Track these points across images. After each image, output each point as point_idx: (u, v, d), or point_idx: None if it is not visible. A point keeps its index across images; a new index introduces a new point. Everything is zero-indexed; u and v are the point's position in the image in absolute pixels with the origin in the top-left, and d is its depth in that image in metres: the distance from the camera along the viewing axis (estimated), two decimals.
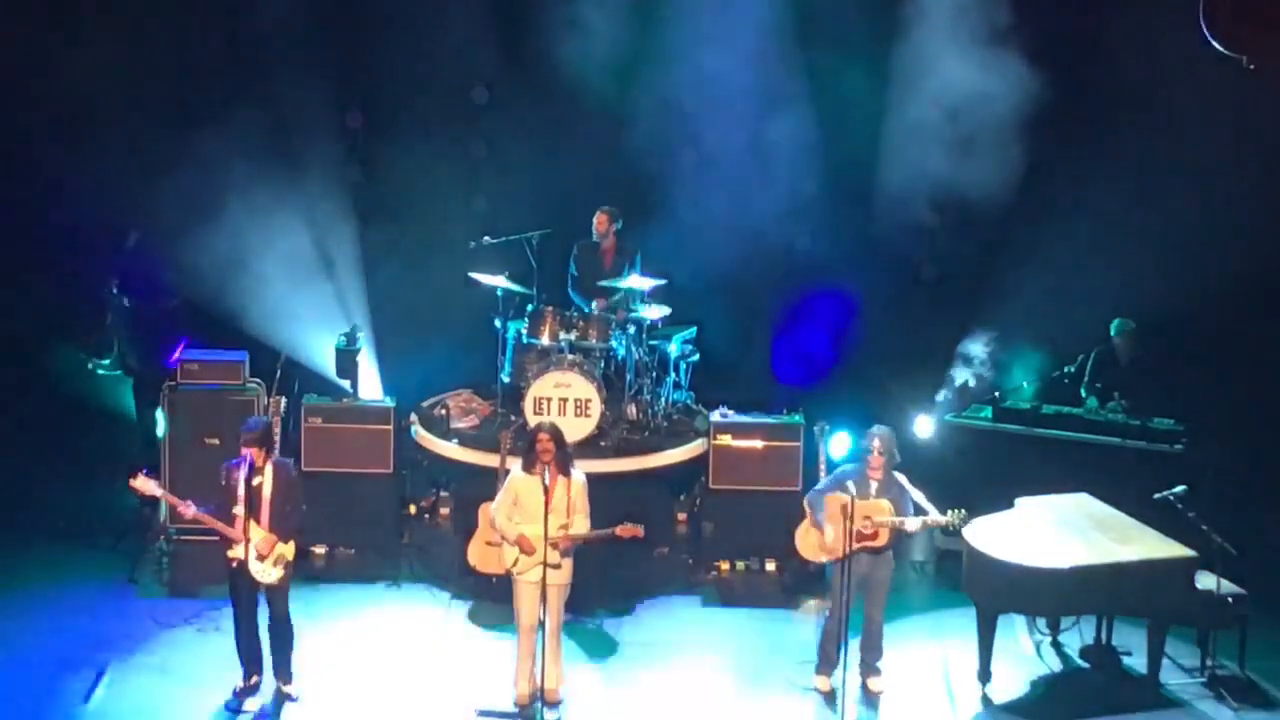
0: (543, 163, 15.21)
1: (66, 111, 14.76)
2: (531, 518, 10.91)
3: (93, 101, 14.70)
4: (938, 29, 14.55)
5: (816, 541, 11.35)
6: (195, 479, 12.42)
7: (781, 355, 15.33)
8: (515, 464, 11.25)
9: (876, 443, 11.23)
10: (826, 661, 11.32)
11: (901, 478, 11.32)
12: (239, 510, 10.92)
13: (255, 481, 10.94)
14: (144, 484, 11.16)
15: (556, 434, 11.02)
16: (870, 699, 11.32)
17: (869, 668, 11.37)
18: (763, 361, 15.32)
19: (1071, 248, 14.78)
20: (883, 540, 11.18)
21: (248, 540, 10.92)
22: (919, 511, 11.22)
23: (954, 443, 13.81)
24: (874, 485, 11.21)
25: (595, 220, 14.33)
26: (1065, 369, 14.01)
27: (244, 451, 10.94)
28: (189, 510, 10.99)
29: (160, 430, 13.52)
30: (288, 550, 11.07)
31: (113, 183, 14.73)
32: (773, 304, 15.39)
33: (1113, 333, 13.92)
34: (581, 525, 10.99)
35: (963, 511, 11.19)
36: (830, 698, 11.21)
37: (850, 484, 11.14)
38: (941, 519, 11.15)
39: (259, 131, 14.52)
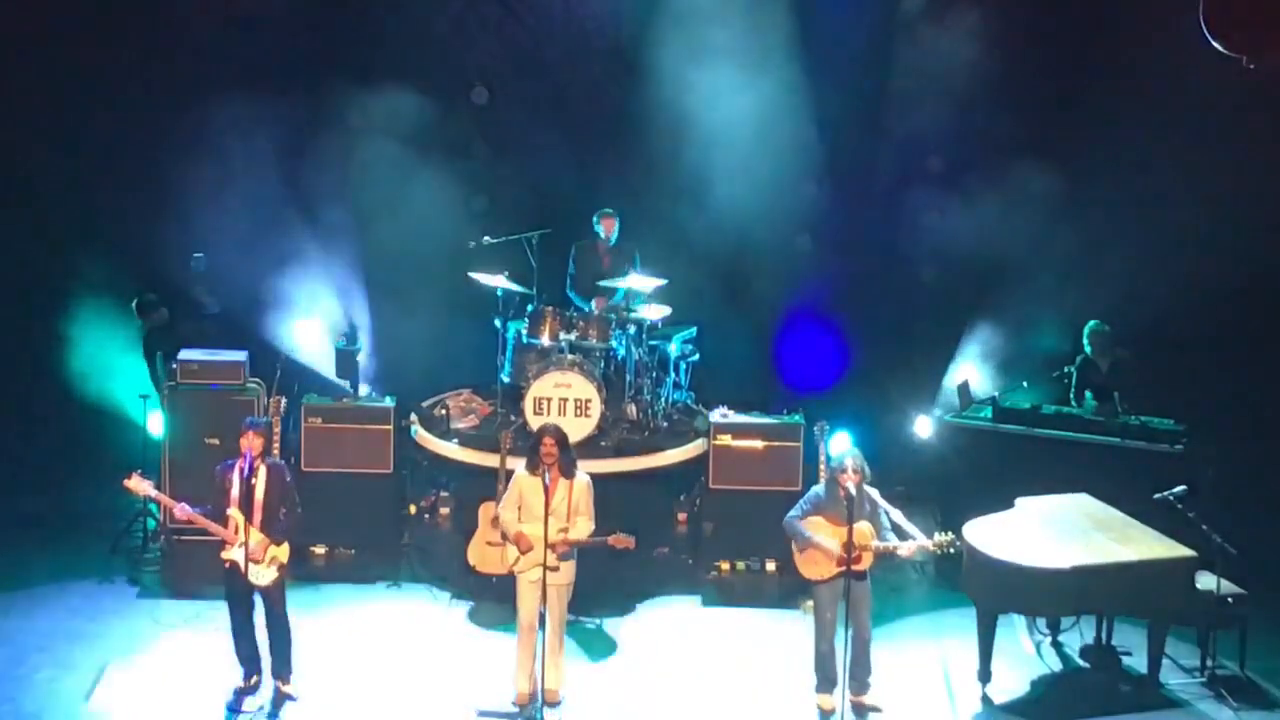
0: (543, 163, 15.20)
1: (63, 113, 14.78)
2: (534, 517, 10.90)
3: (90, 101, 14.74)
4: (938, 28, 14.58)
5: (812, 558, 11.17)
6: (195, 479, 12.40)
7: (784, 357, 15.33)
8: (520, 463, 11.26)
9: (849, 461, 10.99)
10: (826, 680, 11.22)
11: (874, 492, 11.13)
12: (233, 512, 10.92)
13: (250, 482, 10.93)
14: (138, 484, 11.14)
15: (560, 437, 10.99)
16: (865, 713, 11.26)
17: (860, 684, 11.26)
18: (763, 361, 15.31)
19: (1071, 247, 14.79)
20: (868, 563, 11.05)
21: (245, 541, 10.92)
22: (897, 528, 11.07)
23: (954, 443, 13.80)
24: (845, 505, 10.85)
25: (602, 224, 14.32)
26: (1066, 369, 13.99)
27: (243, 447, 10.92)
28: (182, 512, 11.00)
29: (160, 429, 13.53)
30: (281, 552, 11.05)
31: (113, 183, 14.76)
32: (773, 304, 15.38)
33: (1085, 339, 13.89)
34: (584, 528, 10.98)
35: (950, 534, 11.05)
36: (832, 714, 11.14)
37: (827, 507, 11.04)
38: (929, 544, 10.99)
39: (259, 131, 14.52)
